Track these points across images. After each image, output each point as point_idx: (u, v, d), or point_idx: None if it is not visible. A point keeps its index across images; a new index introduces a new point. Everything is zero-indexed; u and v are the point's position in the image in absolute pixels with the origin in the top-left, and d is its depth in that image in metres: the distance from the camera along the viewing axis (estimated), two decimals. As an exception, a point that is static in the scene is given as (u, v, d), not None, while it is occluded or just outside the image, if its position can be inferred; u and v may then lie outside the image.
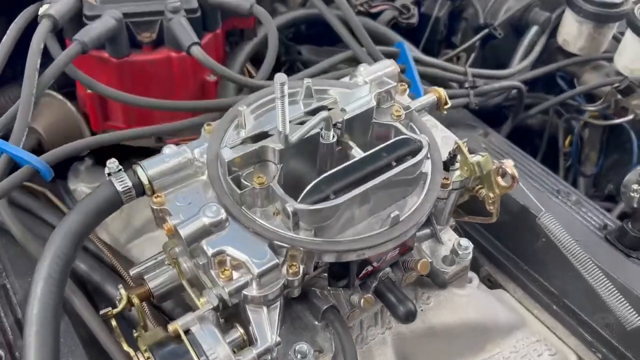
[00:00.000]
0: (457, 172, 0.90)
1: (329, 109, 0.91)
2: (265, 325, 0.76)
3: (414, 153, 0.83)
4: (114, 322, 0.83)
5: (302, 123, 0.90)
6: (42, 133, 1.20)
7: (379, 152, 0.80)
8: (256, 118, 0.91)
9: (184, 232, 0.75)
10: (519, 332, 1.05)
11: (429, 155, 0.85)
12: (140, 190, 0.83)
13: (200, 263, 0.77)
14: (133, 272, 0.89)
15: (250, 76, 1.35)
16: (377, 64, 1.03)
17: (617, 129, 1.74)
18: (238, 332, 0.77)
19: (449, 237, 0.99)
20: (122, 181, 0.81)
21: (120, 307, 0.83)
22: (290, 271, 0.76)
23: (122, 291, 0.84)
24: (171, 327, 0.71)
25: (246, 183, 0.78)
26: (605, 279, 0.94)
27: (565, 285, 1.10)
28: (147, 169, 0.82)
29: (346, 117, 0.84)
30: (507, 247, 1.18)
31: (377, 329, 0.93)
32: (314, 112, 0.92)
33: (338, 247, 0.75)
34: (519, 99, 1.52)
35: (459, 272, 0.97)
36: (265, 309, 0.77)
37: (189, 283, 0.84)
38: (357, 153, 0.82)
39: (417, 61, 1.30)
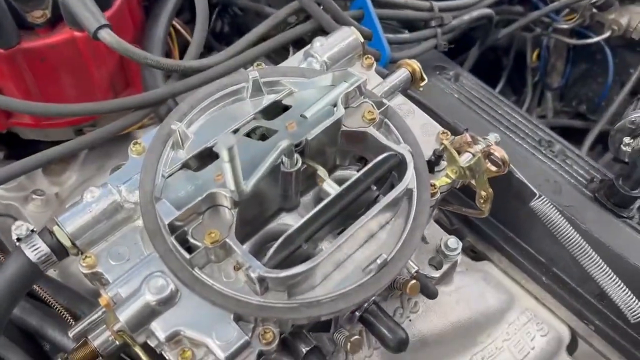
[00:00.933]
0: (444, 174, 0.77)
1: (285, 108, 0.74)
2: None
3: (394, 168, 0.68)
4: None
5: (253, 131, 0.73)
6: None
7: (357, 181, 0.65)
8: (195, 125, 0.74)
9: (124, 317, 0.60)
10: (509, 314, 0.98)
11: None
12: (62, 252, 0.66)
13: (153, 345, 0.63)
14: (73, 333, 0.74)
15: (179, 36, 1.12)
16: (335, 35, 0.84)
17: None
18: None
19: (433, 233, 0.87)
20: (35, 248, 0.64)
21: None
22: (264, 340, 0.63)
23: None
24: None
25: (195, 242, 0.63)
26: (606, 266, 0.86)
27: (553, 253, 1.02)
28: (65, 226, 0.65)
29: (310, 137, 0.67)
30: (491, 214, 1.08)
31: (363, 352, 0.83)
32: (266, 112, 0.75)
33: (320, 311, 0.62)
34: (488, 25, 1.35)
35: (447, 271, 0.87)
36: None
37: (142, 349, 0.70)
38: (330, 187, 0.67)
39: (376, 3, 1.09)
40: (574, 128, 1.73)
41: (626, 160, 1.06)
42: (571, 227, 0.87)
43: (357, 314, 0.75)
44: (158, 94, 0.88)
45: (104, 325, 0.73)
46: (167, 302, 0.61)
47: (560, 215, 0.88)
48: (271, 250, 0.62)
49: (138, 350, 0.70)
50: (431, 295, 0.85)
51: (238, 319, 0.62)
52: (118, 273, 0.66)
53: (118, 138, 1.12)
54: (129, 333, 0.61)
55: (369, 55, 0.84)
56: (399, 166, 0.69)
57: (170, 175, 0.68)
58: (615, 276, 0.85)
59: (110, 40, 0.83)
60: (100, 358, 0.74)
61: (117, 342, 0.70)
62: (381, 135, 0.71)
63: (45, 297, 0.93)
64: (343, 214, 0.65)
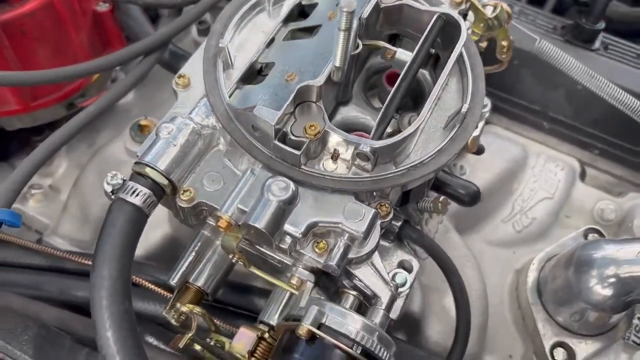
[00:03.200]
0: (471, 32, 0.81)
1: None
2: (377, 279, 0.67)
3: (442, 30, 0.72)
4: (198, 347, 0.69)
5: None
6: None
7: (421, 46, 0.68)
8: (232, 43, 0.73)
9: (262, 224, 0.60)
10: (528, 160, 1.07)
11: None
12: (159, 192, 0.64)
13: (285, 246, 0.64)
14: (173, 281, 0.73)
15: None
16: None
17: None
18: (350, 297, 0.68)
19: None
20: (137, 192, 0.62)
21: (193, 327, 0.69)
22: (382, 213, 0.66)
23: (182, 307, 0.69)
24: (301, 330, 0.60)
25: (298, 139, 0.63)
26: (610, 83, 0.96)
27: (545, 99, 1.12)
28: (157, 165, 0.63)
29: (364, 15, 0.68)
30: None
31: (434, 221, 0.88)
32: (292, 15, 0.75)
33: (427, 169, 0.66)
34: None
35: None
36: (368, 262, 0.68)
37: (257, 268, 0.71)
38: (404, 54, 0.69)
39: None
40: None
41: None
42: (572, 58, 0.96)
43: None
44: (163, 33, 0.85)
45: (198, 267, 0.73)
46: (292, 200, 0.62)
47: (561, 50, 0.96)
48: (374, 129, 0.64)
49: (256, 271, 0.71)
50: (480, 151, 0.91)
51: (358, 200, 0.65)
52: (221, 197, 0.66)
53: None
54: (268, 239, 0.61)
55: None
56: (445, 28, 0.72)
57: (232, 94, 0.68)
58: (620, 90, 0.95)
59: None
60: (206, 296, 0.74)
61: (210, 259, 0.70)
62: (418, 3, 0.74)
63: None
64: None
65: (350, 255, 0.65)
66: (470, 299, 0.77)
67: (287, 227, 0.62)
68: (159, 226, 0.96)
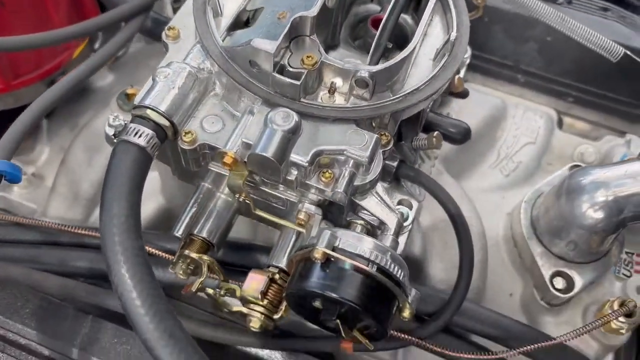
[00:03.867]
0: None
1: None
2: (382, 207, 0.68)
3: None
4: (210, 291, 0.69)
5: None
6: None
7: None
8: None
9: (270, 152, 0.60)
10: (508, 110, 1.11)
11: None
12: (161, 134, 0.64)
13: (292, 178, 0.64)
14: (178, 232, 0.72)
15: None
16: None
17: None
18: (359, 225, 0.68)
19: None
20: (140, 133, 0.62)
21: (203, 271, 0.69)
22: (383, 142, 0.68)
23: (191, 254, 0.69)
24: (317, 253, 0.60)
25: (296, 70, 0.64)
26: (578, 23, 1.00)
27: (517, 53, 1.16)
28: (158, 106, 0.63)
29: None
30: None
31: (427, 165, 0.90)
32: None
33: (424, 94, 0.68)
34: None
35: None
36: (373, 192, 0.69)
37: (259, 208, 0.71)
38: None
39: None
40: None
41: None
42: (542, 3, 0.99)
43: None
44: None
45: (202, 218, 0.73)
46: (296, 130, 0.63)
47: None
48: (370, 55, 0.65)
49: (262, 214, 0.71)
50: (464, 94, 0.93)
51: (359, 127, 0.66)
52: (224, 137, 0.66)
53: (81, 94, 1.06)
54: (277, 169, 0.62)
55: None
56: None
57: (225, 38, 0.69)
58: (590, 30, 0.99)
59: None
60: (212, 247, 0.74)
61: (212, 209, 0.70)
62: None
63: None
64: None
65: (356, 183, 0.65)
66: (472, 230, 0.79)
67: (293, 156, 0.62)
68: (151, 198, 0.95)
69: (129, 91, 0.92)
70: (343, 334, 0.64)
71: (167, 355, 0.55)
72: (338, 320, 0.63)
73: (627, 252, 0.99)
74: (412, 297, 0.64)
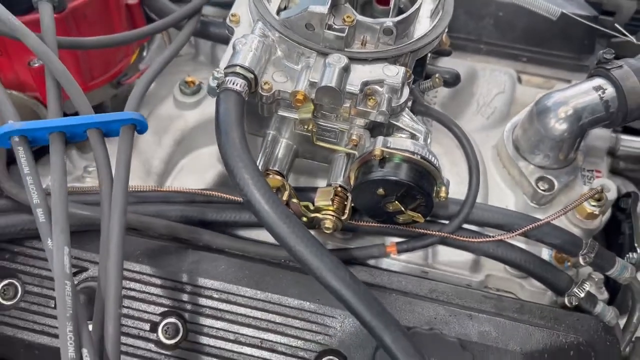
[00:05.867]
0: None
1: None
2: (412, 122, 0.92)
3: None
4: (295, 200, 0.90)
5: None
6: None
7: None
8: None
9: (333, 83, 0.84)
10: (477, 71, 1.37)
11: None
12: (250, 84, 0.86)
13: (347, 105, 0.88)
14: (259, 165, 0.94)
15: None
16: None
17: None
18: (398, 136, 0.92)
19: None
20: (237, 83, 0.84)
21: (287, 188, 0.90)
22: (407, 74, 0.92)
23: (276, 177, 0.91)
24: (375, 152, 0.84)
25: (339, 26, 0.88)
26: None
27: (477, 28, 1.43)
28: (244, 63, 0.86)
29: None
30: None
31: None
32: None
33: (431, 37, 0.93)
34: None
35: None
36: (404, 113, 0.93)
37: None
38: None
39: None
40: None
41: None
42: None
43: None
44: (193, 5, 1.08)
45: (274, 157, 0.95)
46: (347, 68, 0.86)
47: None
48: (390, 11, 0.90)
49: (319, 142, 0.94)
50: (449, 52, 1.19)
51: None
52: (291, 84, 0.89)
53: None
54: (338, 97, 0.85)
55: None
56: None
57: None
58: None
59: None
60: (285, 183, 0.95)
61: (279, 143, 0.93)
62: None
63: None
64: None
65: (393, 105, 0.89)
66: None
67: (348, 87, 0.86)
68: (212, 167, 1.16)
69: (188, 79, 1.14)
70: (402, 214, 0.87)
71: (285, 229, 0.75)
72: (396, 202, 0.86)
73: (588, 170, 1.26)
74: (445, 180, 0.88)
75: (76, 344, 0.67)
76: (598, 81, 1.08)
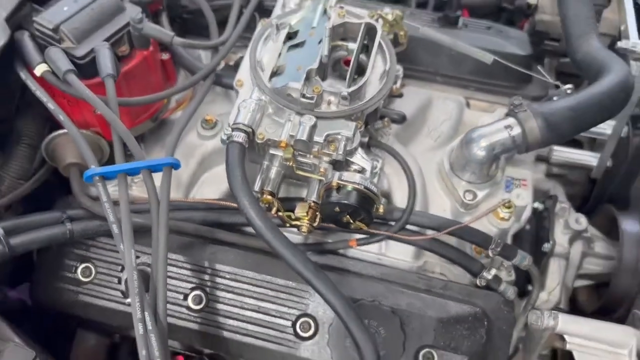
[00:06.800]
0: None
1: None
2: (362, 160, 1.33)
3: (368, 31, 1.39)
4: (280, 213, 1.32)
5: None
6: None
7: (360, 40, 1.35)
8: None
9: (305, 137, 1.24)
10: (432, 99, 1.74)
11: None
12: (249, 136, 1.27)
13: (315, 149, 1.28)
14: (255, 189, 1.35)
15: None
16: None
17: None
18: (351, 170, 1.32)
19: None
20: (239, 136, 1.25)
21: (276, 204, 1.32)
22: (359, 127, 1.31)
23: (264, 196, 1.32)
24: (334, 183, 1.24)
25: (310, 94, 1.28)
26: (463, 43, 1.65)
27: (434, 63, 1.79)
28: (244, 122, 1.26)
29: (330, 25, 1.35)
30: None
31: (384, 139, 1.54)
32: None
33: (379, 96, 1.32)
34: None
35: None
36: (356, 152, 1.32)
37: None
38: (353, 46, 1.35)
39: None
40: None
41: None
42: (440, 33, 1.64)
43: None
44: (212, 65, 1.48)
45: (268, 181, 1.36)
46: (315, 125, 1.27)
47: (433, 30, 1.64)
48: (347, 81, 1.30)
49: (298, 171, 1.35)
50: (400, 95, 1.58)
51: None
52: (278, 134, 1.29)
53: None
54: (304, 148, 1.26)
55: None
56: (369, 30, 1.39)
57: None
58: (467, 45, 1.64)
59: (183, 41, 1.41)
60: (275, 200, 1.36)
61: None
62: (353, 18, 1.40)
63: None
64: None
65: (348, 148, 1.29)
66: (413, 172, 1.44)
67: (315, 138, 1.26)
68: (225, 181, 1.56)
69: (207, 117, 1.55)
70: (351, 224, 1.28)
71: (270, 236, 1.17)
72: (348, 215, 1.27)
73: (513, 178, 1.64)
74: (382, 201, 1.29)
75: (141, 308, 1.10)
76: (509, 121, 1.46)
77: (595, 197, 1.92)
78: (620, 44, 1.59)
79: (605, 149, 1.77)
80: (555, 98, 1.67)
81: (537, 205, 1.69)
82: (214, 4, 1.73)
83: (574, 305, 1.86)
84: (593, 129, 1.59)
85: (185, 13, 1.82)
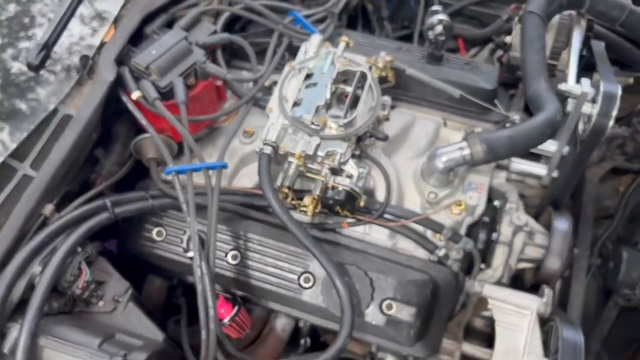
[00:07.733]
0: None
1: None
2: (352, 167, 1.91)
3: (363, 76, 1.97)
4: (294, 202, 1.93)
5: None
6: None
7: (356, 82, 1.93)
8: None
9: (312, 152, 1.84)
10: (415, 120, 2.30)
11: (366, 74, 1.98)
12: (274, 150, 1.87)
13: (319, 161, 1.88)
14: (277, 184, 1.96)
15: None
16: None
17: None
18: (344, 176, 1.92)
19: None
20: (268, 150, 1.85)
21: (292, 195, 1.92)
22: (351, 146, 1.90)
23: (283, 189, 1.92)
24: (329, 184, 1.84)
25: (317, 123, 1.87)
26: (438, 81, 2.20)
27: (419, 92, 2.33)
28: (271, 139, 1.86)
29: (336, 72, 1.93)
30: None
31: (373, 152, 2.13)
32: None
33: (370, 122, 1.91)
34: None
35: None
36: (349, 162, 1.91)
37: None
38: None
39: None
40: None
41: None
42: (421, 73, 2.20)
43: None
44: (252, 93, 2.09)
45: (287, 179, 1.96)
46: (319, 145, 1.86)
47: (416, 71, 2.20)
48: (345, 110, 1.88)
49: (308, 173, 1.95)
50: (387, 119, 2.16)
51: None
52: (294, 149, 1.89)
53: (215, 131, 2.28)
54: (310, 159, 1.85)
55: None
56: (363, 75, 1.96)
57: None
58: (443, 83, 2.19)
59: (232, 77, 2.01)
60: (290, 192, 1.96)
61: (303, 169, 1.94)
62: (352, 65, 1.98)
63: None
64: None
65: (342, 160, 1.88)
66: (391, 177, 2.03)
67: (318, 153, 1.85)
68: (254, 177, 2.18)
69: (247, 129, 2.15)
70: (341, 212, 1.88)
71: (285, 218, 1.78)
72: (339, 207, 1.87)
73: (473, 183, 2.21)
74: (364, 198, 1.88)
75: (199, 258, 1.73)
76: (462, 144, 2.01)
77: (545, 200, 2.46)
78: (560, 87, 2.11)
79: (551, 163, 2.30)
80: (507, 125, 2.22)
81: (496, 203, 2.23)
82: (255, 41, 2.32)
83: (521, 282, 2.42)
84: (542, 147, 2.12)
85: (234, 46, 2.41)
